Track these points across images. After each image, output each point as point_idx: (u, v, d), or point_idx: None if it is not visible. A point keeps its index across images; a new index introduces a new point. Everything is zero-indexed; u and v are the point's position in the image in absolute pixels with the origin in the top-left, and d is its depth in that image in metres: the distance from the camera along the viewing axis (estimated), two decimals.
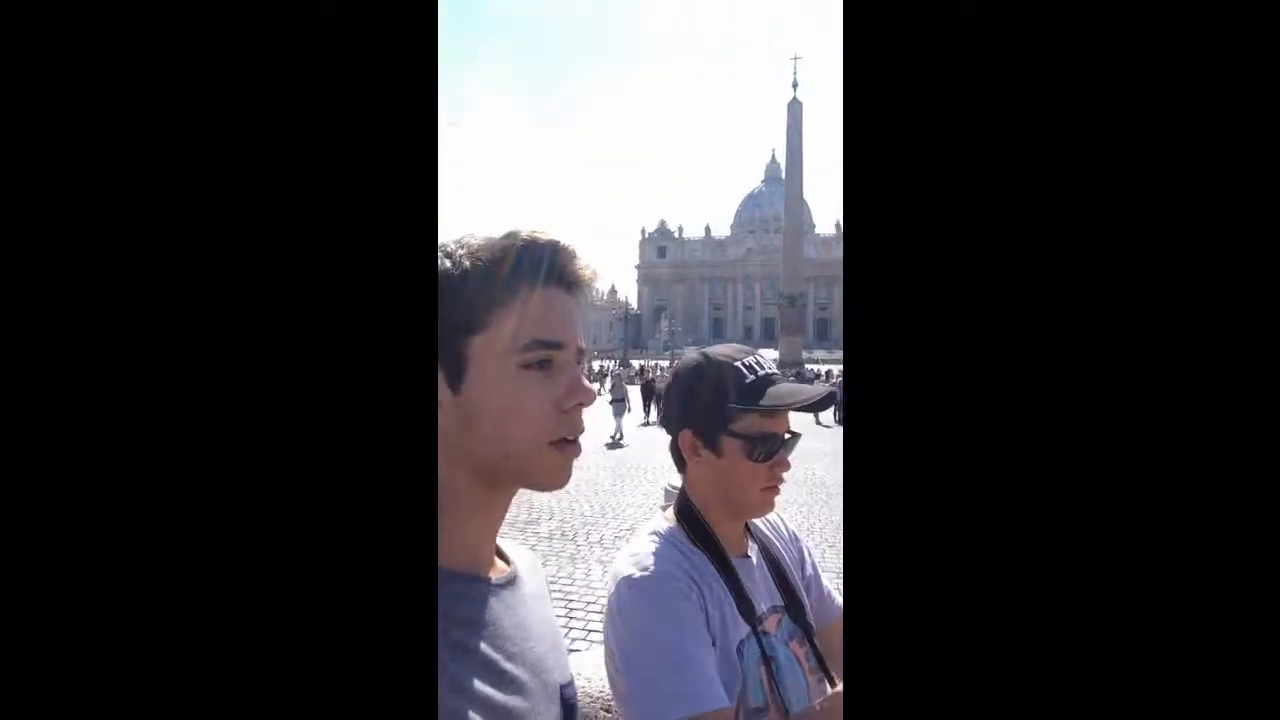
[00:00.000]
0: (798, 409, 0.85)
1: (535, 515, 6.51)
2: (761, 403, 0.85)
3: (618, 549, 5.66)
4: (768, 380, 0.88)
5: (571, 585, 4.64)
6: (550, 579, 4.72)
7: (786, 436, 0.88)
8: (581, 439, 0.57)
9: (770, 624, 0.88)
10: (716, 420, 0.87)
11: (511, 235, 0.57)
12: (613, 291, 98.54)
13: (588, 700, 1.02)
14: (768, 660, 0.83)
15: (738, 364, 0.88)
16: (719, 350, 0.92)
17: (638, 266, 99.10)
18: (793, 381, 0.91)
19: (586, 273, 0.60)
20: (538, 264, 0.56)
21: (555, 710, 0.59)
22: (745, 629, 0.84)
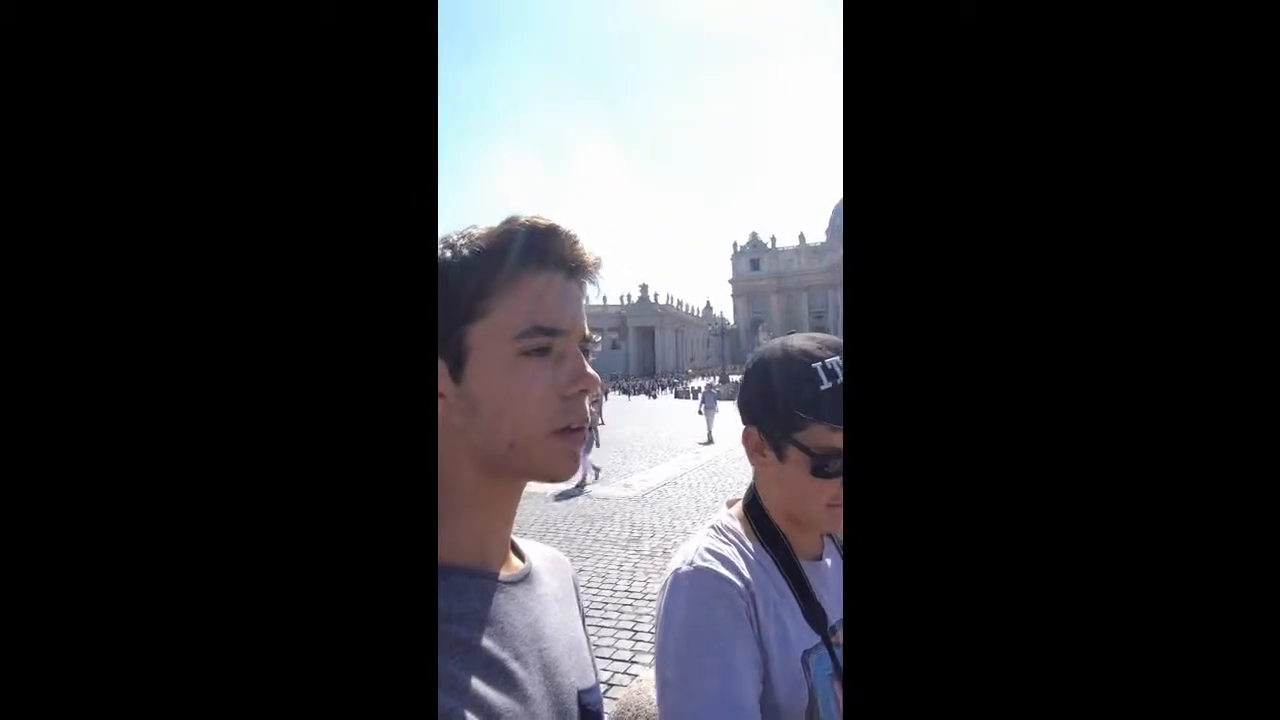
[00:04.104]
0: None
1: (637, 534, 6.56)
2: (818, 415, 0.74)
3: None
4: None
5: None
6: (653, 597, 4.73)
7: None
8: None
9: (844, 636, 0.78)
10: (782, 425, 0.78)
11: (509, 221, 0.56)
12: (707, 308, 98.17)
13: (654, 707, 1.01)
14: (843, 675, 0.75)
15: (815, 365, 0.76)
16: (801, 343, 0.80)
17: (731, 281, 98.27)
18: None
19: (589, 257, 0.57)
20: (534, 249, 0.54)
21: (570, 714, 0.56)
22: (814, 638, 0.77)
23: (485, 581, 0.55)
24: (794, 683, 0.73)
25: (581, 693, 0.58)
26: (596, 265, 0.58)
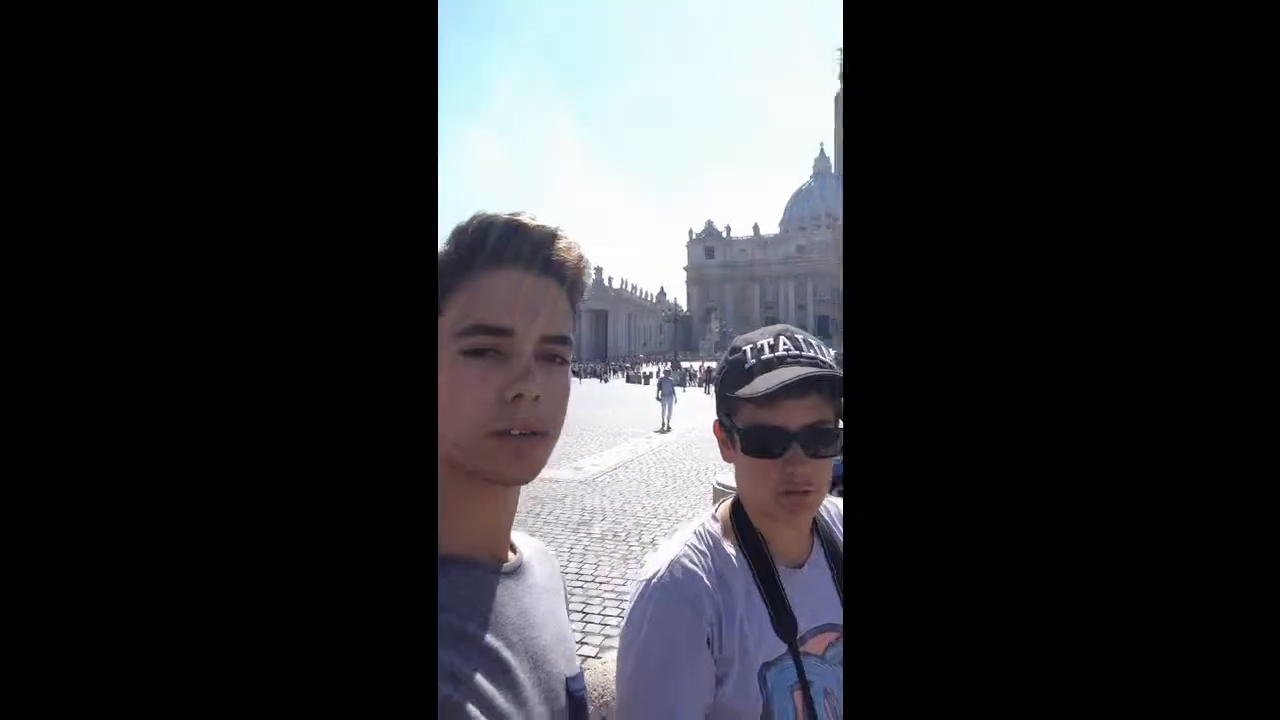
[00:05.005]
0: (764, 395, 0.73)
1: (588, 517, 6.58)
2: (738, 392, 0.76)
3: None
4: (765, 365, 0.76)
5: (624, 585, 4.67)
6: (603, 579, 4.77)
7: (794, 430, 0.73)
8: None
9: (816, 644, 0.78)
10: (726, 410, 0.80)
11: (474, 217, 0.55)
12: (661, 294, 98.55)
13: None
14: (806, 685, 0.74)
15: (745, 348, 0.79)
16: (754, 333, 0.83)
17: (685, 268, 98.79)
18: (803, 365, 0.75)
19: (565, 256, 0.55)
20: (488, 245, 0.53)
21: (557, 702, 0.57)
22: (779, 649, 0.75)
23: (478, 571, 0.56)
24: (749, 696, 0.73)
25: (569, 680, 0.59)
26: (575, 264, 0.57)
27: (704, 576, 0.76)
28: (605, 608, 4.22)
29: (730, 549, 0.80)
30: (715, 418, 0.85)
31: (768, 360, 0.76)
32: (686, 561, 0.78)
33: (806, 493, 0.75)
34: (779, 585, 0.78)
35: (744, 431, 0.77)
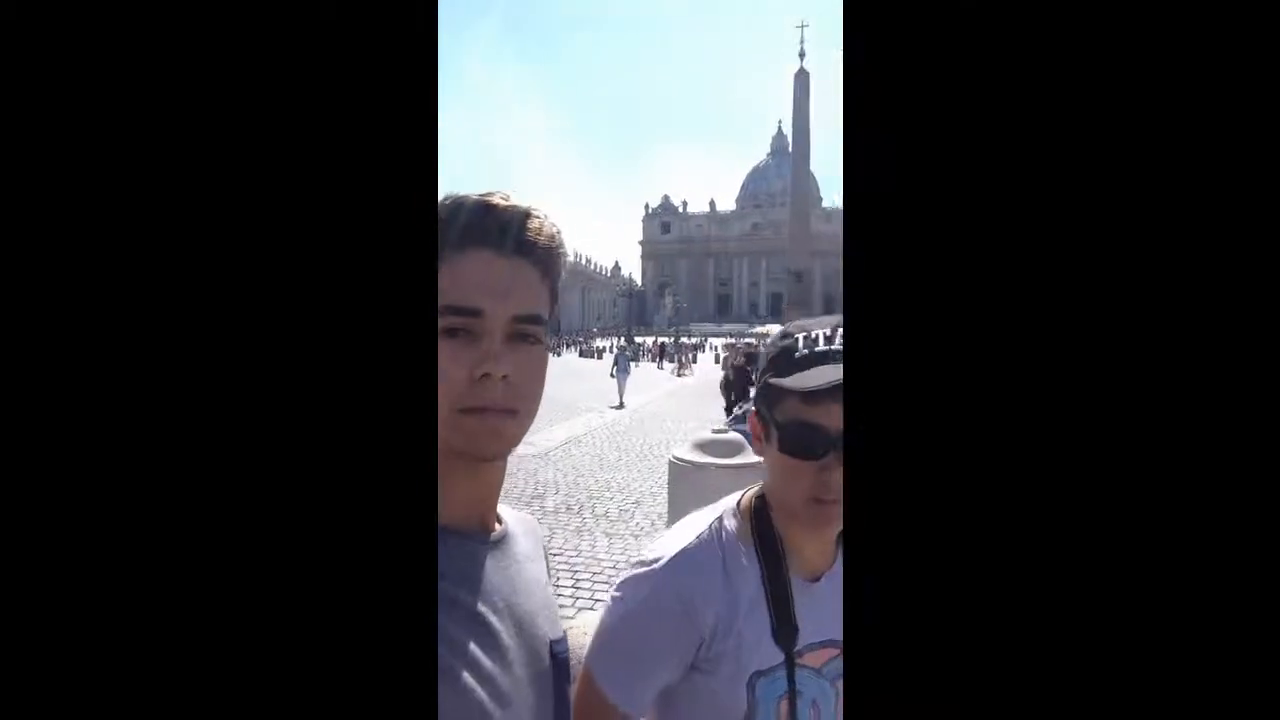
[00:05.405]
0: (812, 390, 0.68)
1: (541, 490, 6.59)
2: (785, 380, 0.70)
3: (623, 522, 5.76)
4: (819, 357, 0.69)
5: (578, 556, 4.73)
6: (556, 551, 4.79)
7: (838, 433, 0.67)
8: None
9: (815, 658, 0.75)
10: (765, 400, 0.74)
11: (444, 198, 0.55)
12: (616, 268, 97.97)
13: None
14: (794, 695, 0.72)
15: (799, 334, 0.72)
16: (811, 319, 0.75)
17: (641, 243, 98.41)
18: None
19: (537, 235, 0.56)
20: (459, 226, 0.54)
21: (541, 663, 0.60)
22: (775, 658, 0.72)
23: (469, 543, 0.58)
24: (735, 697, 0.72)
25: (553, 643, 0.62)
26: (548, 243, 0.57)
27: (708, 577, 0.74)
28: (559, 579, 4.27)
29: (744, 550, 0.76)
30: (753, 407, 0.78)
31: (823, 352, 0.69)
32: (693, 557, 0.75)
33: (838, 502, 0.68)
34: (788, 599, 0.74)
35: (783, 426, 0.71)
